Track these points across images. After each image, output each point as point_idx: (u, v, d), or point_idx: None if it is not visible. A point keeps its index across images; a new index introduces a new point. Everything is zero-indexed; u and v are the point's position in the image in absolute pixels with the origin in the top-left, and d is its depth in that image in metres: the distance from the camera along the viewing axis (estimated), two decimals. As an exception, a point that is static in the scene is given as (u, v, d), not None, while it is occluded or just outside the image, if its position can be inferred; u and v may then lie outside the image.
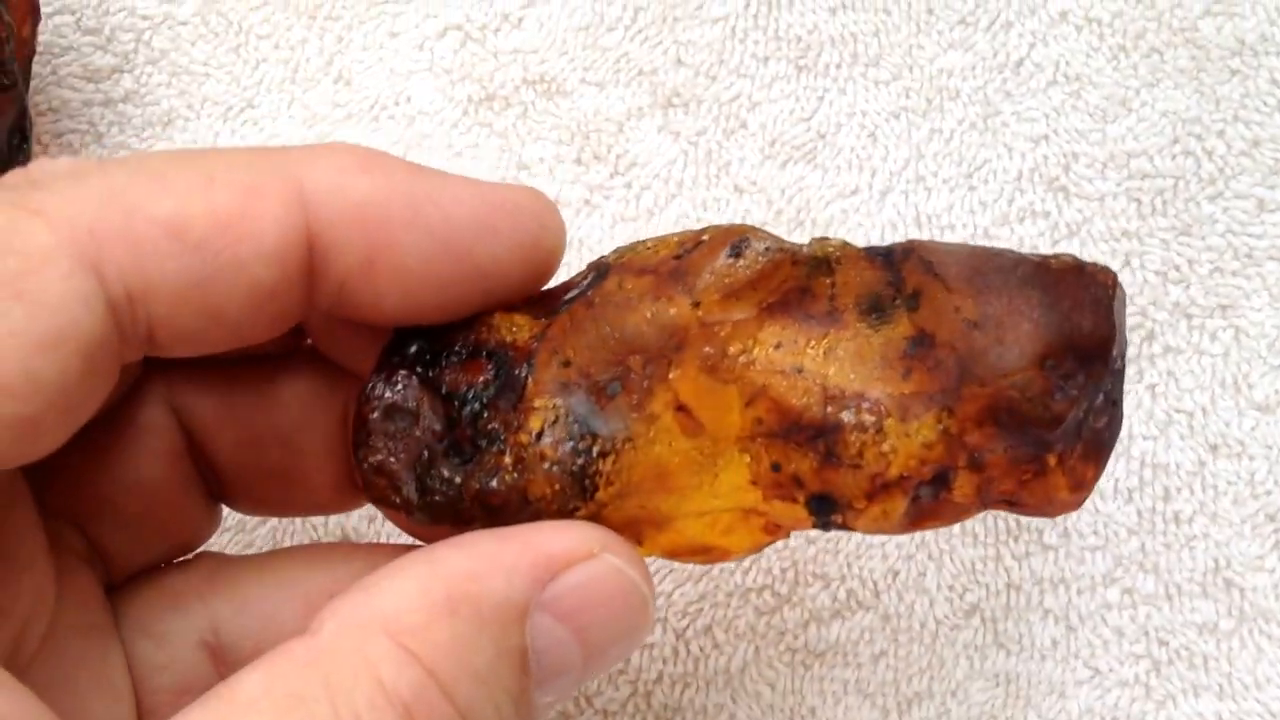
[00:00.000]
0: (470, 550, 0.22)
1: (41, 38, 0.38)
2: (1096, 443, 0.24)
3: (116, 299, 0.21)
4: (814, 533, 0.35)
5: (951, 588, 0.35)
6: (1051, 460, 0.23)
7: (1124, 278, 0.37)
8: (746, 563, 0.35)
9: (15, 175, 0.22)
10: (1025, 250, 0.24)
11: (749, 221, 0.37)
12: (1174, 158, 0.38)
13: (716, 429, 0.24)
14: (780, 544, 0.35)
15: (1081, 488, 0.24)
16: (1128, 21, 0.39)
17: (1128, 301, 0.35)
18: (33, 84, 0.38)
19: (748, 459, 0.24)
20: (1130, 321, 0.36)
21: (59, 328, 0.20)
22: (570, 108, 0.39)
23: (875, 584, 0.35)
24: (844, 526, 0.24)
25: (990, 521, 0.35)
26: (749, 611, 0.35)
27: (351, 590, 0.22)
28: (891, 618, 0.35)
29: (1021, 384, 0.23)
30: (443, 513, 0.24)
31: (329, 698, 0.20)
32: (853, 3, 0.39)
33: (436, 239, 0.23)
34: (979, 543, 0.35)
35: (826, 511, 0.24)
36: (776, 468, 0.24)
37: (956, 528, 0.35)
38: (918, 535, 0.35)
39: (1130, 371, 0.36)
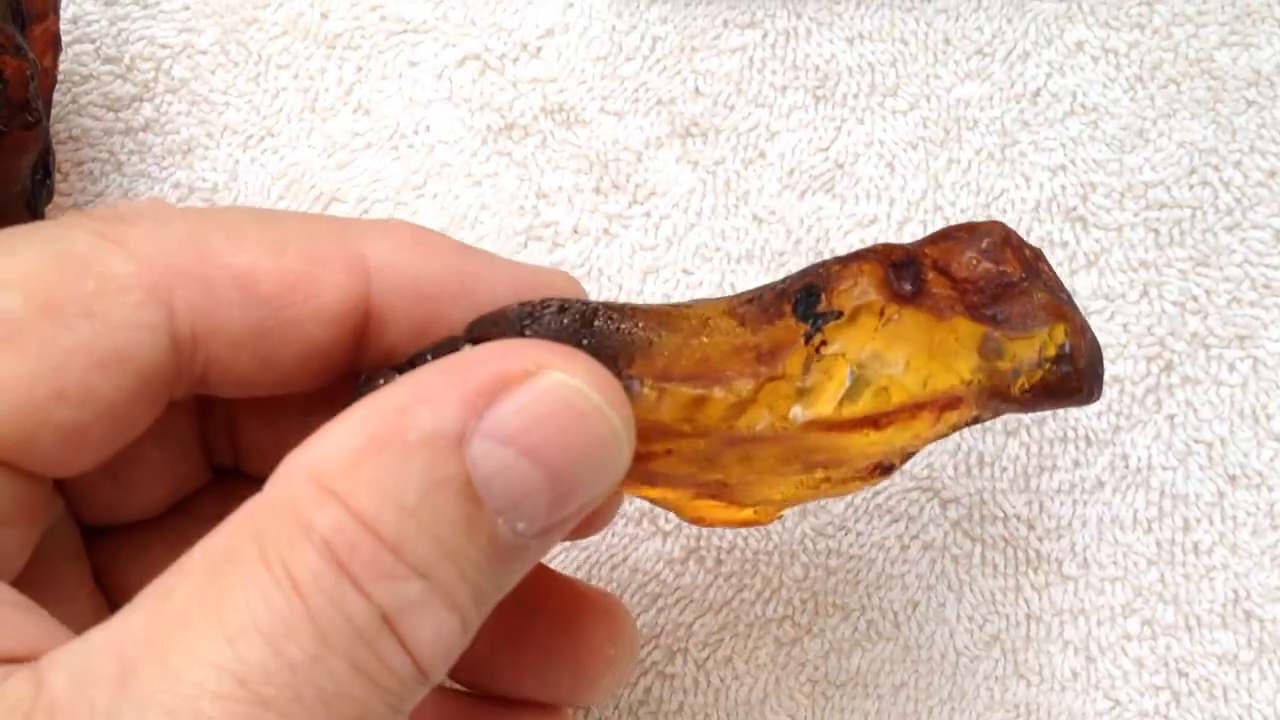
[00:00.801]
0: (404, 385, 0.22)
1: (61, 66, 0.39)
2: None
3: (180, 334, 0.23)
4: (834, 562, 0.36)
5: (971, 618, 0.36)
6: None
7: (1142, 308, 0.38)
8: (767, 593, 0.36)
9: (105, 211, 0.24)
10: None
11: (769, 251, 0.38)
12: (1191, 188, 0.39)
13: None
14: (800, 574, 0.36)
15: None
16: (1144, 52, 0.40)
17: (1147, 331, 0.37)
18: (53, 112, 0.39)
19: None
20: (1148, 352, 0.37)
21: (120, 348, 0.22)
22: (589, 137, 0.40)
23: (895, 615, 0.36)
24: (835, 315, 0.24)
25: (1010, 552, 0.36)
26: (769, 642, 0.36)
27: (299, 448, 0.22)
28: (912, 649, 0.36)
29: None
30: None
31: (257, 548, 0.20)
32: (870, 33, 0.40)
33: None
34: (999, 573, 0.36)
35: (812, 304, 0.24)
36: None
37: (976, 558, 0.36)
38: (937, 566, 0.36)
39: (1149, 402, 0.37)
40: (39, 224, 0.24)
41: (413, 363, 0.25)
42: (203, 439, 0.28)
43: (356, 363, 0.26)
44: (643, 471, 0.25)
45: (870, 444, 0.25)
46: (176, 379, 0.24)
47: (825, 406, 0.24)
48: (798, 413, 0.24)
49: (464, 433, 0.21)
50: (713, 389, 0.24)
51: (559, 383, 0.22)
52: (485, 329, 0.24)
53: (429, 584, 0.21)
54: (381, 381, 0.24)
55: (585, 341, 0.24)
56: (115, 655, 0.19)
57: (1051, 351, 0.25)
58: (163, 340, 0.23)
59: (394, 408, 0.21)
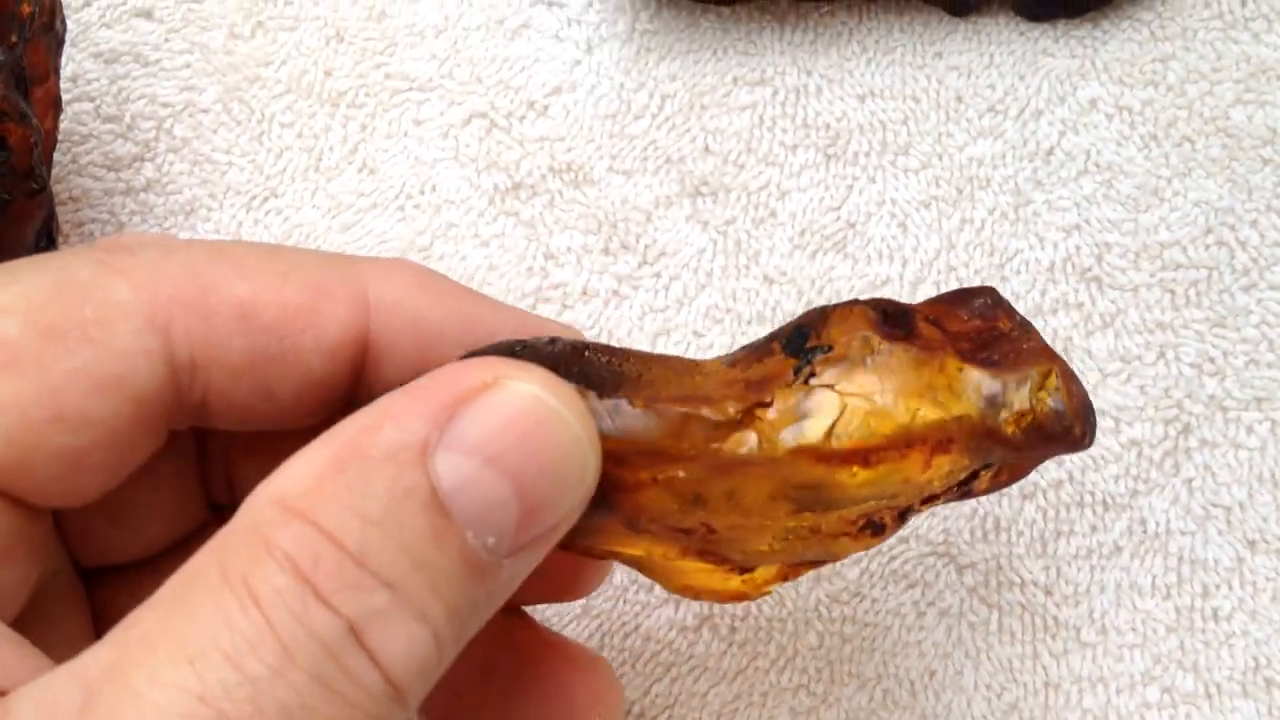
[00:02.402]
0: (366, 410, 0.23)
1: (61, 125, 0.41)
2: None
3: (180, 361, 0.25)
4: (849, 630, 0.38)
5: (989, 686, 0.38)
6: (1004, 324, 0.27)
7: (1159, 370, 0.40)
8: (781, 662, 0.38)
9: (109, 240, 0.26)
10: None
11: (780, 312, 0.40)
12: (1207, 248, 0.41)
13: None
14: (815, 642, 0.38)
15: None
16: (1158, 110, 0.42)
17: (1164, 394, 0.39)
18: (53, 172, 0.41)
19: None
20: (1165, 414, 0.39)
21: (119, 373, 0.24)
22: (598, 196, 0.42)
23: (912, 683, 0.38)
24: (825, 349, 0.26)
25: (1027, 619, 0.38)
26: (785, 712, 0.38)
27: (264, 480, 0.23)
28: (929, 717, 0.38)
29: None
30: None
31: (219, 570, 0.21)
32: (881, 90, 0.42)
33: None
34: (1016, 640, 0.38)
35: (802, 341, 0.26)
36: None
37: (993, 624, 0.38)
38: (954, 633, 0.38)
39: (1166, 465, 0.39)
40: (44, 254, 0.26)
41: None
42: (201, 477, 0.30)
43: (353, 397, 0.27)
44: (630, 509, 0.26)
45: (859, 485, 0.26)
46: (175, 407, 0.25)
47: (814, 433, 0.25)
48: (786, 436, 0.25)
49: (427, 445, 0.22)
50: (700, 408, 0.25)
51: (516, 392, 0.23)
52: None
53: (396, 594, 0.21)
54: None
55: (574, 369, 0.25)
56: (80, 683, 0.20)
57: (1041, 390, 0.26)
58: (161, 367, 0.24)
59: (357, 428, 0.22)
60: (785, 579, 0.29)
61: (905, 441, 0.26)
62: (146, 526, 0.29)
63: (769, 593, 0.29)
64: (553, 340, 0.26)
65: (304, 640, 0.21)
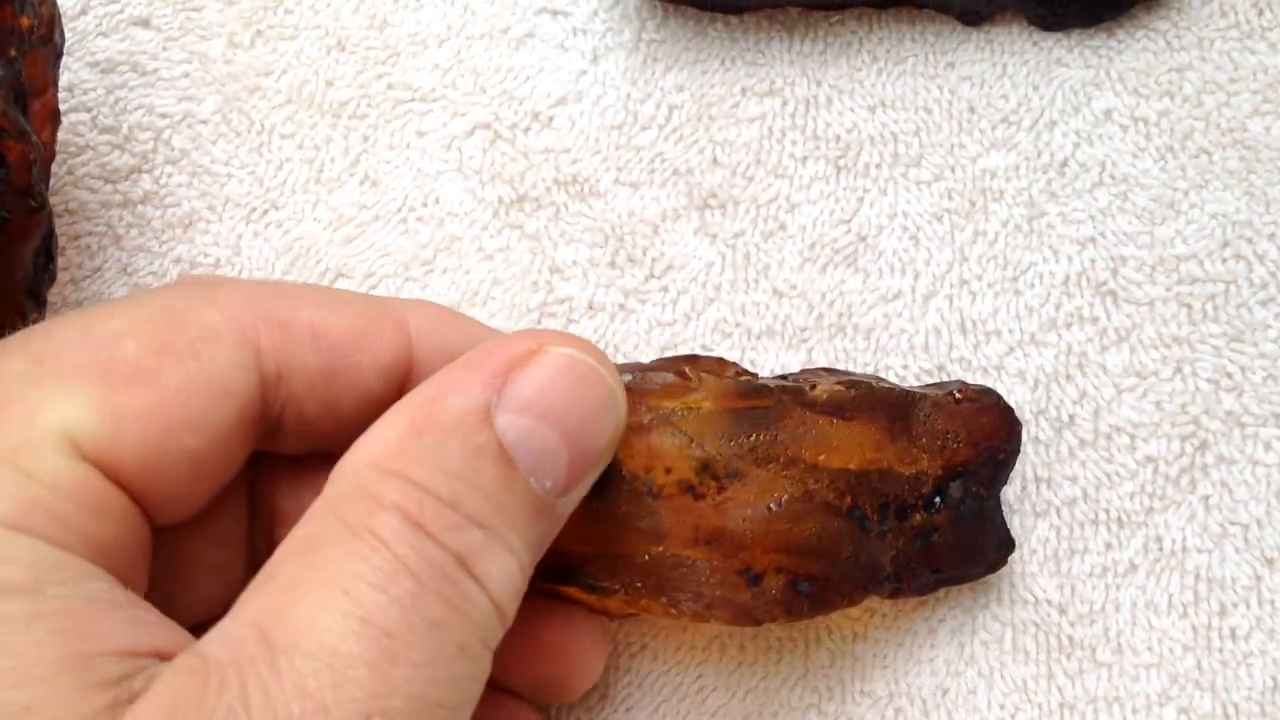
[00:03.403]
0: (430, 383, 0.29)
1: (58, 136, 0.43)
2: None
3: (267, 373, 0.30)
4: (860, 648, 0.39)
5: (1003, 706, 0.39)
6: None
7: (1175, 385, 0.41)
8: (792, 680, 0.39)
9: (187, 278, 0.33)
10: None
11: (790, 326, 0.42)
12: (1224, 261, 0.42)
13: None
14: (826, 660, 0.39)
15: None
16: (1174, 121, 0.43)
17: (1181, 410, 0.40)
18: (50, 184, 0.42)
19: None
20: (1182, 431, 0.41)
21: (226, 383, 0.29)
22: (604, 209, 0.43)
23: (924, 702, 0.39)
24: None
25: (1041, 637, 0.39)
26: (795, 732, 0.39)
27: (348, 450, 0.29)
28: (941, 738, 0.39)
29: None
30: None
31: (341, 524, 0.27)
32: (892, 101, 0.44)
33: None
34: (1030, 659, 0.39)
35: None
36: None
37: (1007, 643, 0.39)
38: (966, 651, 0.39)
39: (1183, 482, 0.40)
40: (135, 293, 0.33)
41: None
42: (250, 542, 0.34)
43: None
44: (643, 449, 0.33)
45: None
46: (263, 417, 0.31)
47: None
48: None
49: (488, 408, 0.29)
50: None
51: (559, 354, 0.30)
52: None
53: (487, 532, 0.28)
54: None
55: None
56: (253, 626, 0.26)
57: None
58: (255, 377, 0.30)
59: (424, 399, 0.29)
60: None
61: None
62: (201, 587, 0.33)
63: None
64: None
65: (428, 569, 0.27)
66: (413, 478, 0.27)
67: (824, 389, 0.35)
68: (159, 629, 0.27)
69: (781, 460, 0.34)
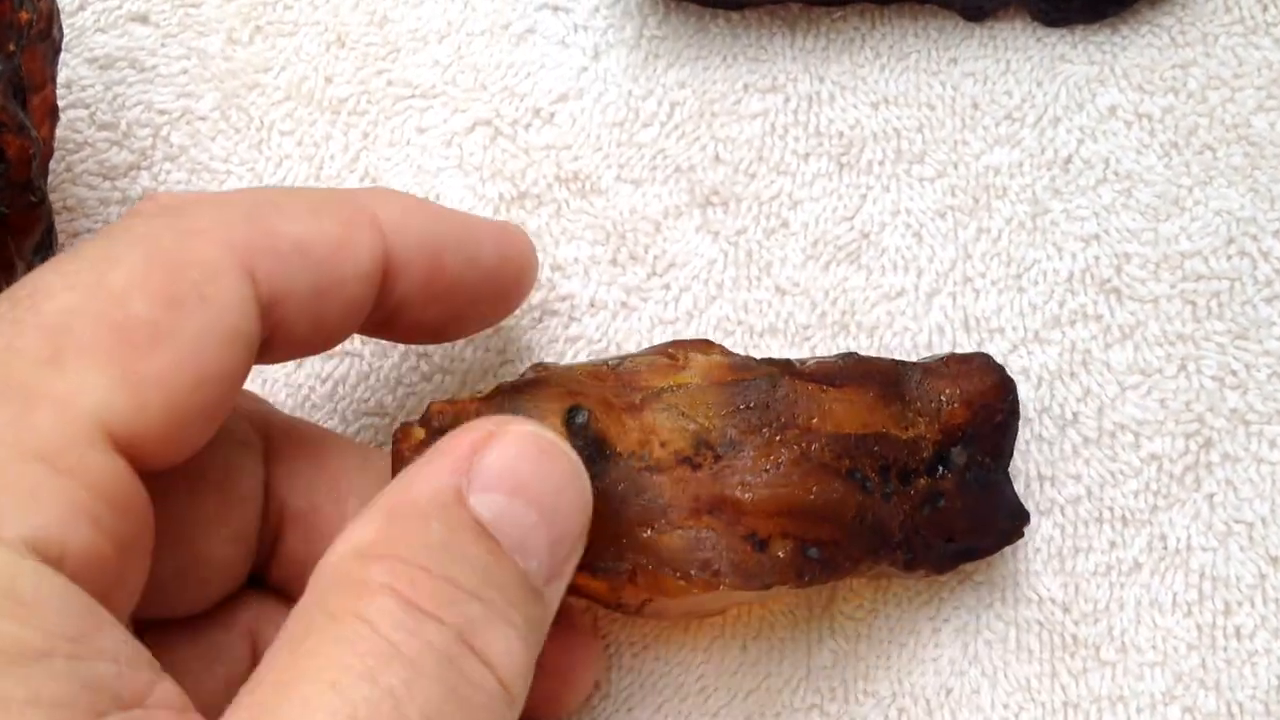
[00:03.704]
0: (397, 480, 0.29)
1: (56, 133, 0.42)
2: None
3: (264, 302, 0.29)
4: (863, 648, 0.39)
5: (1006, 705, 0.39)
6: None
7: (1179, 383, 0.41)
8: (795, 681, 0.39)
9: (148, 204, 0.30)
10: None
11: (793, 324, 0.42)
12: (1229, 258, 0.42)
13: None
14: (828, 661, 0.39)
15: None
16: (1179, 117, 0.43)
17: (1185, 407, 0.40)
18: (49, 181, 0.42)
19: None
20: (1186, 429, 0.41)
21: (234, 325, 0.28)
22: (606, 206, 0.43)
23: (928, 701, 0.39)
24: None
25: (1045, 636, 0.39)
26: (798, 732, 0.39)
27: (326, 551, 0.28)
28: (945, 738, 0.39)
29: None
30: None
31: (327, 614, 0.26)
32: (895, 97, 0.44)
33: (472, 263, 0.34)
34: (1034, 658, 0.39)
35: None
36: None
37: (1011, 642, 0.39)
38: (970, 650, 0.39)
39: (1187, 480, 0.40)
40: (105, 231, 0.29)
41: (426, 419, 0.34)
42: (260, 537, 0.34)
43: (373, 312, 0.33)
44: (636, 427, 0.34)
45: None
46: (259, 345, 0.30)
47: None
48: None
49: (460, 490, 0.28)
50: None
51: (520, 432, 0.30)
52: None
53: (486, 605, 0.27)
54: (417, 424, 0.34)
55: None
56: None
57: None
58: (255, 309, 0.29)
59: (395, 491, 0.28)
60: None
61: None
62: (205, 582, 0.33)
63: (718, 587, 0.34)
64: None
65: (425, 651, 0.25)
66: (399, 556, 0.26)
67: (813, 361, 0.36)
68: (137, 680, 0.25)
69: (775, 426, 0.34)
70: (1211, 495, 0.41)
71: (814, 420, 0.35)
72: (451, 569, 0.26)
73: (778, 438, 0.34)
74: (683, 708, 0.39)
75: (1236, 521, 0.40)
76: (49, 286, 0.27)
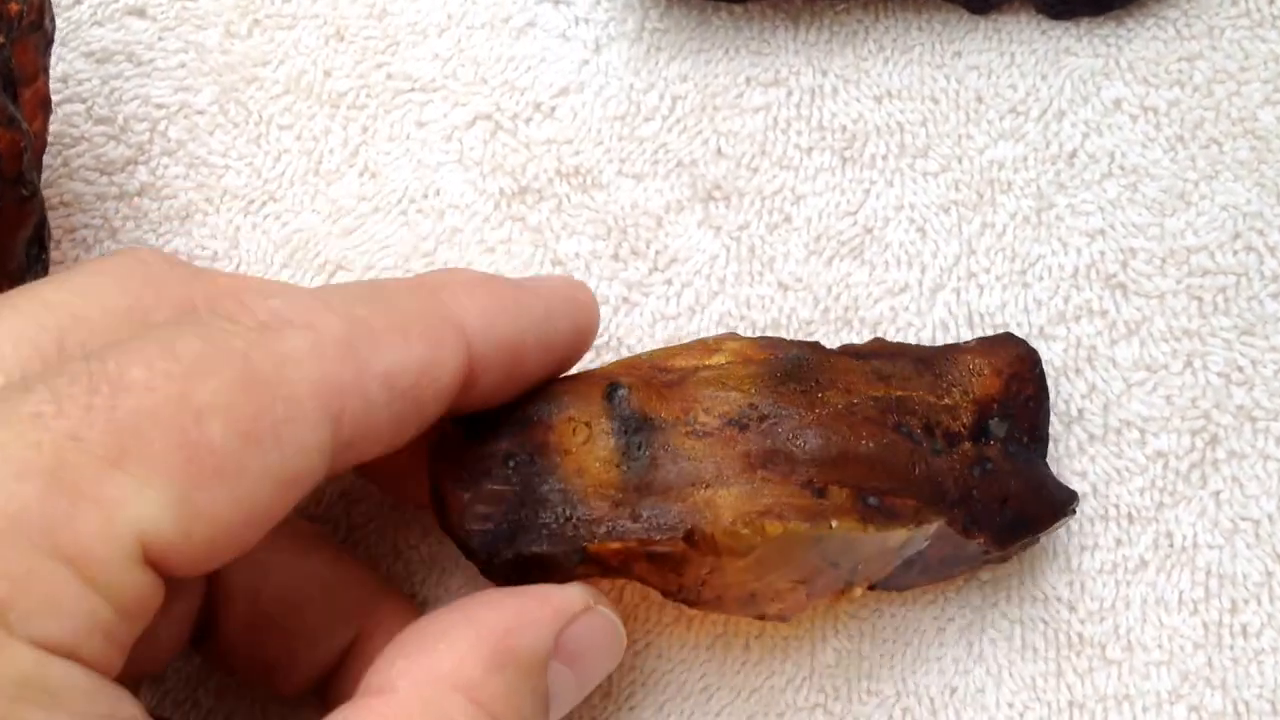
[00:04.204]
0: (504, 608, 0.31)
1: (51, 127, 0.42)
2: None
3: (340, 446, 0.28)
4: (866, 647, 0.39)
5: (1011, 705, 0.39)
6: None
7: (1185, 379, 0.41)
8: (798, 680, 0.39)
9: (240, 312, 0.28)
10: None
11: (795, 320, 0.41)
12: (1235, 254, 0.42)
13: None
14: (831, 660, 0.39)
15: None
16: (1184, 111, 0.43)
17: (1191, 404, 0.40)
18: (43, 176, 0.42)
19: None
20: (1192, 425, 0.40)
21: (298, 471, 0.27)
22: (607, 201, 0.43)
23: (932, 700, 0.39)
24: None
25: (1050, 635, 0.39)
26: (802, 731, 0.39)
27: (413, 652, 0.30)
28: (950, 737, 0.39)
29: None
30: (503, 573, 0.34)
31: None
32: (899, 91, 0.43)
33: (550, 350, 0.34)
34: (1039, 657, 0.39)
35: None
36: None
37: (1016, 641, 0.39)
38: (975, 649, 0.39)
39: (1193, 477, 0.40)
40: (201, 330, 0.28)
41: (471, 421, 0.34)
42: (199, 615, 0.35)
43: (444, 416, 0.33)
44: (678, 397, 0.34)
45: None
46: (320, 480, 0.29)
47: None
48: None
49: (550, 653, 0.31)
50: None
51: (604, 617, 0.33)
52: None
53: None
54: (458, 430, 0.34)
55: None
56: None
57: None
58: (328, 457, 0.28)
59: (502, 628, 0.31)
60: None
61: None
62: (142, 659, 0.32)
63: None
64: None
65: None
66: (495, 715, 0.29)
67: (838, 346, 0.37)
68: None
69: (816, 387, 0.35)
70: (1218, 492, 0.40)
71: (853, 382, 0.35)
72: None
73: (820, 396, 0.35)
74: (685, 706, 0.39)
75: (1243, 518, 0.40)
76: (132, 380, 0.26)
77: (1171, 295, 0.42)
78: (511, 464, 0.33)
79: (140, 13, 0.44)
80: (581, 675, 0.33)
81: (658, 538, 0.32)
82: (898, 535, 0.33)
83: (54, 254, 0.42)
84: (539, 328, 0.33)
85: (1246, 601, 0.40)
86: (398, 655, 0.30)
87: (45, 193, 0.42)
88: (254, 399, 0.27)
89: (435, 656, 0.29)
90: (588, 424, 0.34)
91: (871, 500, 0.33)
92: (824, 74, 0.44)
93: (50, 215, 0.43)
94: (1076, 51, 0.44)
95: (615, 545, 0.33)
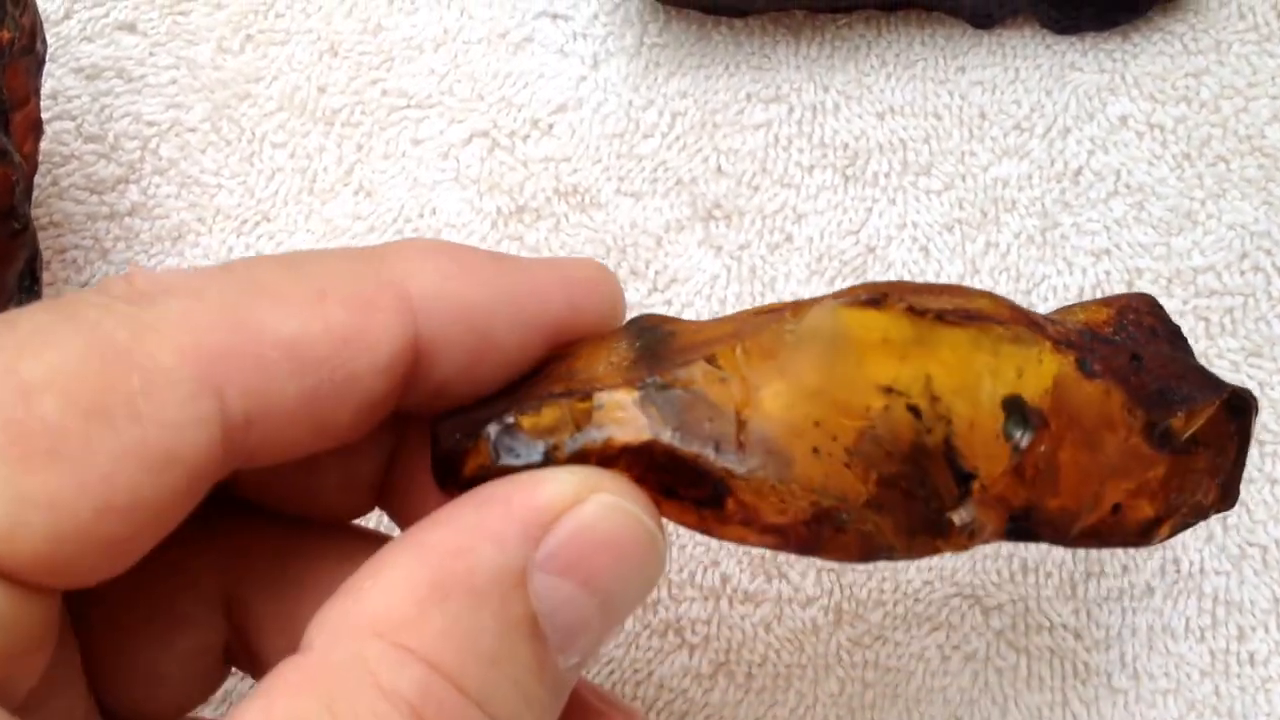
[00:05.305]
0: (452, 524, 0.24)
1: (41, 146, 0.41)
2: None
3: (234, 421, 0.24)
4: (871, 675, 0.38)
5: (1017, 735, 0.38)
6: None
7: (1192, 402, 0.40)
8: (801, 710, 0.38)
9: (120, 284, 0.24)
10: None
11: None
12: (1243, 274, 0.41)
13: None
14: (835, 689, 0.38)
15: None
16: (1191, 128, 0.42)
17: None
18: (33, 196, 0.41)
19: None
20: (1200, 450, 0.40)
21: (170, 450, 0.23)
22: (605, 220, 0.42)
23: (937, 731, 0.38)
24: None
25: (1056, 664, 0.38)
26: (805, 763, 0.38)
27: (337, 595, 0.23)
28: (955, 768, 0.38)
29: None
30: None
31: (329, 710, 0.21)
32: (901, 107, 0.43)
33: (534, 329, 0.27)
34: (1045, 686, 0.38)
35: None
36: None
37: (1022, 670, 0.38)
38: (980, 679, 0.38)
39: (1200, 503, 0.39)
40: (58, 304, 0.24)
41: (485, 403, 0.27)
42: (225, 646, 0.30)
43: (402, 403, 0.27)
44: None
45: None
46: (224, 466, 0.25)
47: None
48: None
49: (525, 569, 0.23)
50: None
51: (610, 506, 0.24)
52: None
53: None
54: (457, 429, 0.26)
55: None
56: None
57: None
58: (215, 433, 0.23)
59: (449, 548, 0.23)
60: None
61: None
62: (173, 693, 0.29)
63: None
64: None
65: None
66: (439, 665, 0.22)
67: None
68: None
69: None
70: (1225, 517, 0.40)
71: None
72: (488, 689, 0.22)
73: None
74: (687, 737, 0.39)
75: (1250, 544, 0.40)
76: None
77: (1178, 316, 0.41)
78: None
79: (131, 28, 0.44)
80: (597, 589, 0.24)
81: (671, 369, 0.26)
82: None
83: (44, 275, 0.41)
84: (516, 301, 0.27)
85: (1254, 629, 0.39)
86: (329, 604, 0.23)
87: (35, 212, 0.42)
88: (102, 371, 0.23)
89: (361, 596, 0.23)
90: (600, 346, 0.28)
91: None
92: (826, 90, 0.43)
93: (40, 235, 0.42)
94: (1082, 67, 0.43)
95: (621, 394, 0.25)
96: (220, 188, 0.43)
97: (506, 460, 0.25)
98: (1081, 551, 0.39)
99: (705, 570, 0.39)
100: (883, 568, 0.39)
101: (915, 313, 0.25)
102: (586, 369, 0.27)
